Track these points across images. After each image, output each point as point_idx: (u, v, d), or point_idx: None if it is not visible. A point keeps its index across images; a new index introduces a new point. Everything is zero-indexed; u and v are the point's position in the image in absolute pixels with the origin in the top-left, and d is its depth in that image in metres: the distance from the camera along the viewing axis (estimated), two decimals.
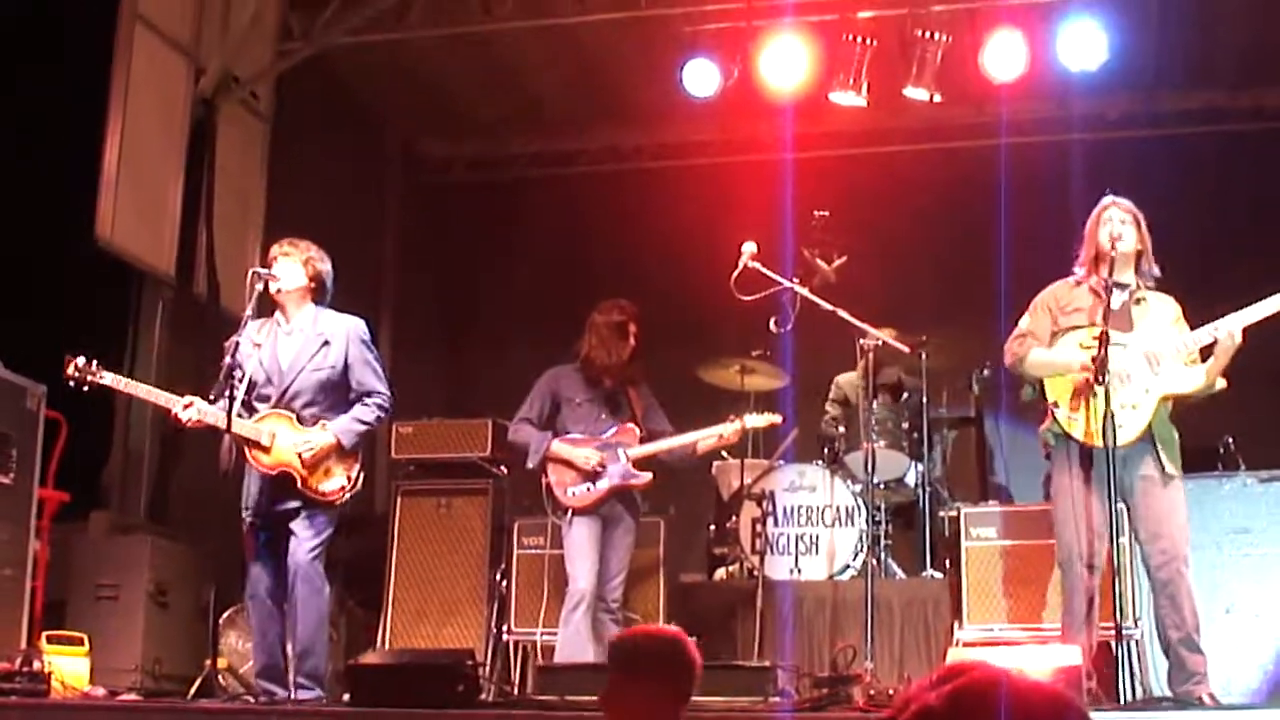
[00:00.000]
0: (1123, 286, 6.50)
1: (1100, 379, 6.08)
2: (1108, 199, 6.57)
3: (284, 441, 6.86)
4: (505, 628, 8.51)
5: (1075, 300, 6.55)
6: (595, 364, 7.71)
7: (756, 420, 7.96)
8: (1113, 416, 6.09)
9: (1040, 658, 5.90)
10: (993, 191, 10.43)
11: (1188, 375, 6.36)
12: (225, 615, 8.00)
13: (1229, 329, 6.22)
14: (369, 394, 7.06)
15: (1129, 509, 6.43)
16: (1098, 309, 6.37)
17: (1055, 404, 6.41)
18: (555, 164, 12.82)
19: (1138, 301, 6.51)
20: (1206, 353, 6.37)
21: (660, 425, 7.86)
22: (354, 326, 7.13)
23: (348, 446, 6.96)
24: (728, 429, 7.81)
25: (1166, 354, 6.33)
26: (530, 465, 7.73)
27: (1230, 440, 8.35)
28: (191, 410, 6.83)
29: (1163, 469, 6.31)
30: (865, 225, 10.53)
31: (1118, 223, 6.46)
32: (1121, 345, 6.32)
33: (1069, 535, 6.30)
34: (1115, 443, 6.12)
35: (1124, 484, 6.30)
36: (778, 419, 8.10)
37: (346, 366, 7.05)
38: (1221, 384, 6.41)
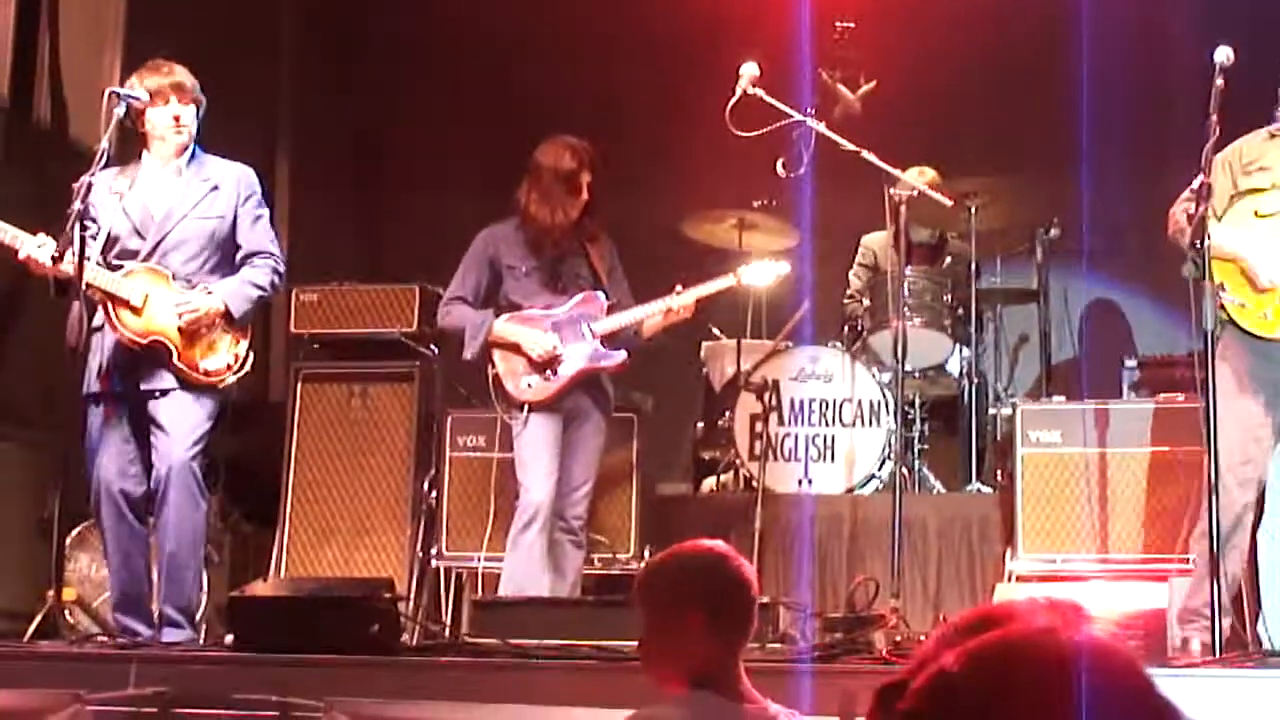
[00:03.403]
0: None
1: (1198, 242, 6.01)
2: None
3: (158, 303, 6.82)
4: (435, 551, 8.51)
5: (1264, 157, 6.51)
6: (536, 223, 7.63)
7: (757, 273, 7.89)
8: (1212, 291, 6.04)
9: (1114, 597, 5.90)
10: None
11: None
12: (74, 533, 7.98)
13: None
14: (259, 254, 7.06)
15: None
16: None
17: (1222, 285, 6.36)
18: None
19: None
20: None
21: (618, 296, 7.81)
22: (244, 174, 7.23)
23: (237, 315, 6.98)
24: (676, 300, 7.70)
25: None
26: (468, 355, 7.68)
27: None
28: (46, 249, 6.70)
29: None
30: (900, 40, 10.44)
31: None
32: None
33: (1227, 440, 6.24)
34: None
35: None
36: (784, 268, 8.00)
37: (235, 221, 7.05)
38: None
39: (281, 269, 7.19)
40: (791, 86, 7.89)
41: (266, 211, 7.27)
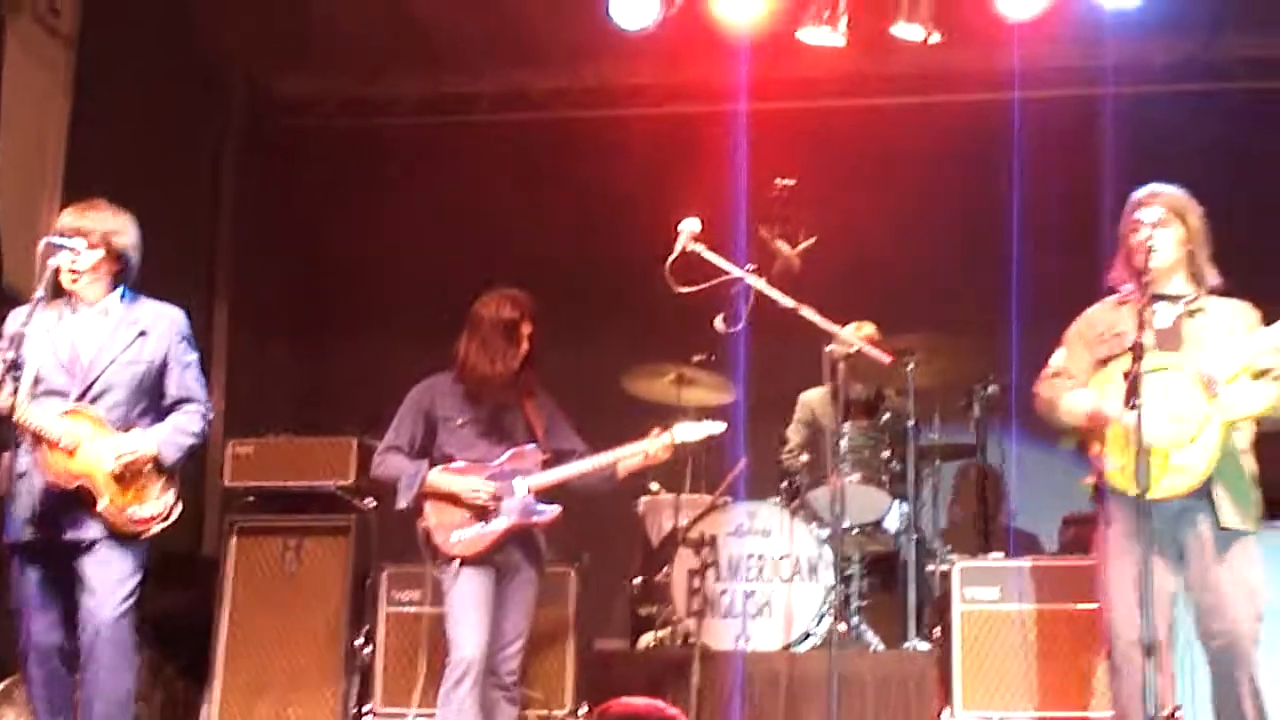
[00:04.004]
0: (1173, 299, 6.55)
1: (1132, 402, 6.06)
2: (1142, 193, 6.61)
3: (91, 446, 6.76)
4: (368, 707, 8.47)
5: (1117, 324, 6.57)
6: (475, 373, 7.66)
7: (691, 431, 7.94)
8: (1148, 455, 6.06)
9: None
10: (1003, 159, 10.53)
11: (1254, 393, 6.34)
12: (0, 687, 7.90)
13: None
14: (187, 401, 7.00)
15: (1186, 573, 6.43)
16: (1144, 333, 6.31)
17: (1100, 454, 6.42)
18: (446, 110, 12.73)
19: (1192, 314, 6.54)
20: None
21: (569, 444, 7.83)
22: (175, 317, 7.10)
23: (168, 463, 6.87)
24: (654, 444, 7.78)
25: (1222, 370, 6.30)
26: (402, 505, 7.64)
27: None
28: None
29: (1223, 521, 6.30)
30: (840, 198, 10.60)
31: (1149, 226, 6.45)
32: (1164, 368, 6.31)
33: (1121, 609, 6.28)
34: (1164, 491, 6.16)
35: (1181, 542, 6.33)
36: (719, 427, 8.06)
37: (164, 366, 7.00)
38: None
39: (210, 416, 7.09)
40: (731, 242, 7.97)
41: (196, 356, 7.14)
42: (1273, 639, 7.16)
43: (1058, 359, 6.73)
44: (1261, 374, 6.35)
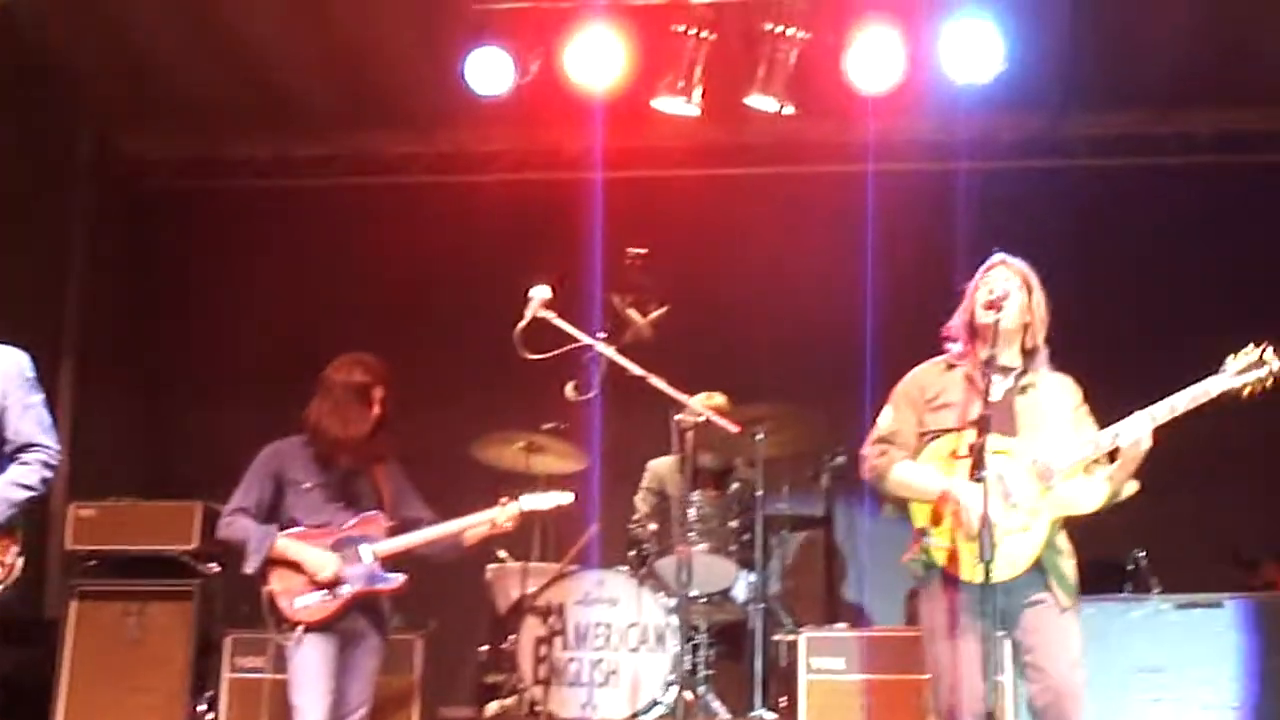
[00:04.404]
0: (1006, 370, 6.56)
1: (978, 475, 6.09)
2: (996, 258, 6.65)
3: None
4: None
5: (946, 391, 6.56)
6: (326, 437, 7.67)
7: (539, 501, 7.99)
8: (990, 530, 6.08)
9: None
10: (855, 231, 10.67)
11: (1087, 490, 6.38)
12: None
13: (1134, 434, 6.24)
14: (30, 447, 6.81)
15: (1013, 642, 6.49)
16: (973, 404, 6.38)
17: (923, 529, 6.42)
18: (300, 174, 12.65)
19: (1024, 390, 6.56)
20: (1113, 456, 6.38)
21: (416, 512, 7.86)
22: (15, 358, 6.85)
23: (1, 519, 6.71)
24: (502, 514, 7.83)
25: (1059, 463, 6.34)
26: (249, 569, 7.61)
27: (1141, 556, 8.50)
28: None
29: (1050, 600, 6.35)
30: (693, 268, 10.68)
31: (1001, 283, 6.51)
32: (1004, 453, 6.32)
33: (944, 686, 6.34)
34: (996, 575, 6.18)
35: (1007, 613, 6.39)
36: (566, 498, 8.13)
37: (3, 410, 6.75)
38: (1132, 488, 6.44)
39: (55, 461, 6.75)
40: (583, 310, 8.03)
41: (41, 398, 6.86)
42: (1142, 706, 7.36)
43: (886, 421, 6.66)
44: (1093, 470, 6.41)
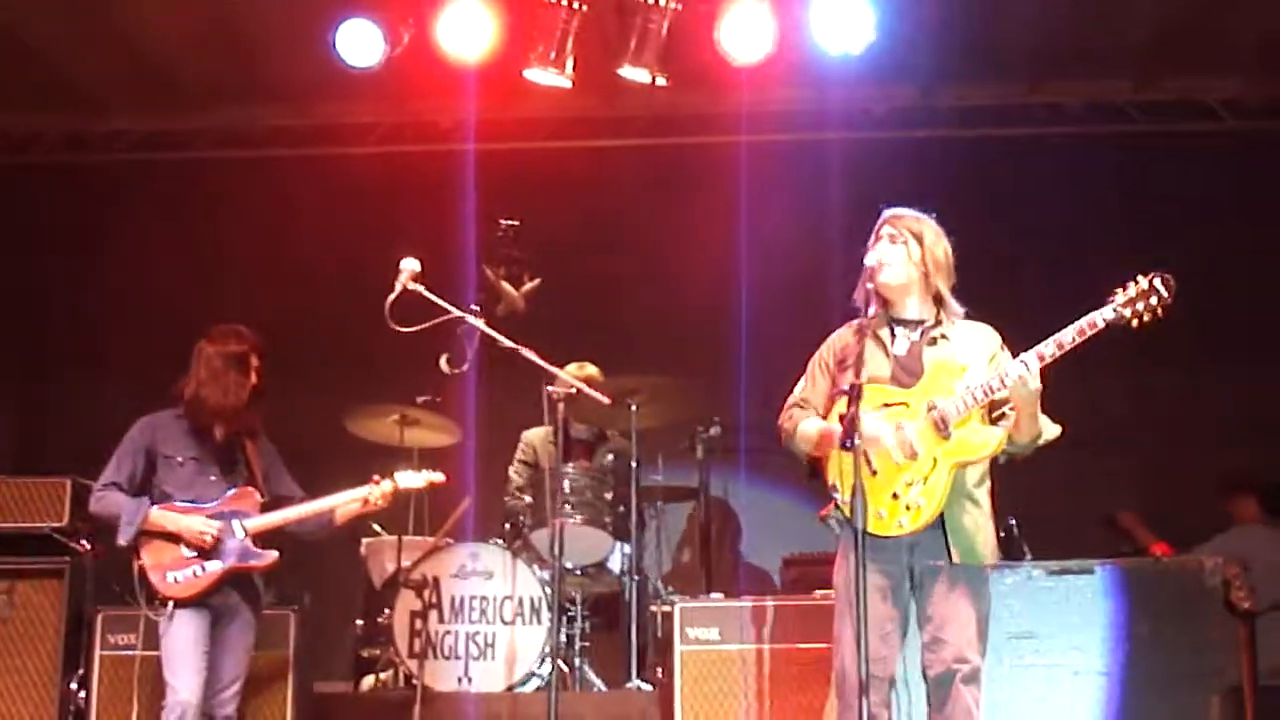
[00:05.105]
0: (912, 324, 6.62)
1: (848, 443, 6.14)
2: (886, 214, 6.65)
3: None
4: None
5: (856, 352, 6.47)
6: (205, 405, 7.67)
7: (412, 480, 8.04)
8: (864, 495, 6.13)
9: None
10: (728, 202, 10.72)
11: (983, 435, 6.41)
12: None
13: (1018, 372, 6.25)
14: None
15: (918, 606, 6.51)
16: (883, 359, 6.48)
17: (834, 485, 6.43)
18: (169, 146, 12.58)
19: (933, 341, 6.60)
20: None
21: (287, 489, 7.89)
22: None
23: None
24: (374, 491, 7.87)
25: (954, 412, 6.37)
26: (122, 542, 7.59)
27: (1014, 522, 8.59)
28: None
29: (954, 557, 6.39)
30: (566, 240, 10.72)
31: (886, 245, 6.53)
32: (903, 405, 6.41)
33: (845, 642, 6.37)
34: (895, 529, 6.27)
35: (915, 575, 6.46)
36: (438, 478, 8.17)
37: None
38: (1053, 431, 6.50)
39: None
40: (455, 282, 8.05)
41: None
42: (1015, 672, 7.43)
43: (798, 388, 6.75)
44: (997, 414, 6.45)
